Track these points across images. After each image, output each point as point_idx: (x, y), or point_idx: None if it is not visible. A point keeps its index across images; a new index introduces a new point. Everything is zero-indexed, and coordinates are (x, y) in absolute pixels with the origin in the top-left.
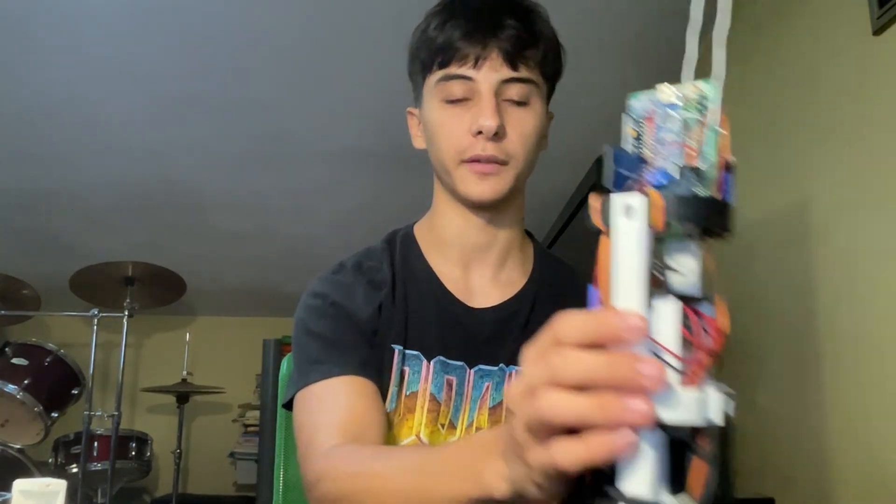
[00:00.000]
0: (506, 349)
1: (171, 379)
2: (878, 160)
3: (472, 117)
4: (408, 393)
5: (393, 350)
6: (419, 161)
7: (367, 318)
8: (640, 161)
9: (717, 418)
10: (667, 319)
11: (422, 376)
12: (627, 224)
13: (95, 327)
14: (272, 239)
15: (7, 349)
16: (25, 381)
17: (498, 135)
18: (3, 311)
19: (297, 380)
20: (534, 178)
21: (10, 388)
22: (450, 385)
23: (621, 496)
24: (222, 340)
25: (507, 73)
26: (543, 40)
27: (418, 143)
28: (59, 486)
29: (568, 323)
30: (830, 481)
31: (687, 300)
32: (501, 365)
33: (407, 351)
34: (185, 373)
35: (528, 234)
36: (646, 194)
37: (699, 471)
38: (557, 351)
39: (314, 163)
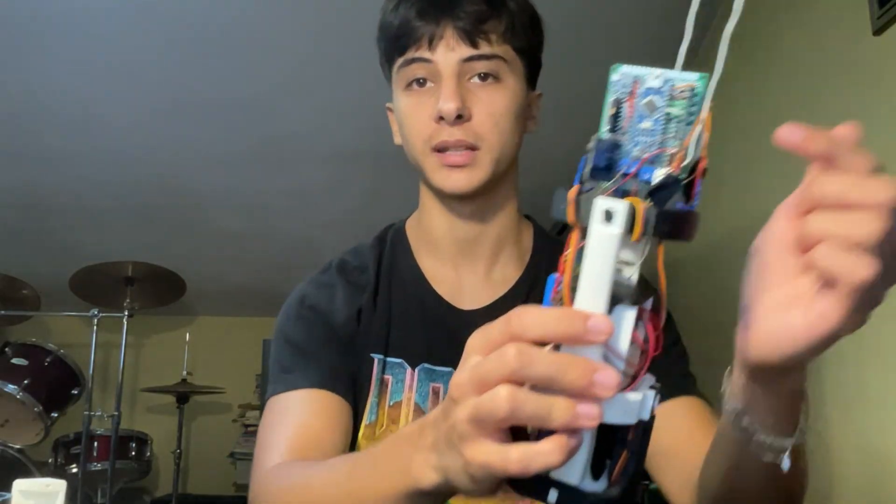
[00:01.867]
0: None
1: (171, 379)
2: (879, 159)
3: (435, 102)
4: (391, 403)
5: (372, 360)
6: None
7: (344, 322)
8: (615, 146)
9: (647, 415)
10: (623, 327)
11: (405, 385)
12: (605, 229)
13: (95, 327)
14: (272, 239)
15: (7, 349)
16: (25, 381)
17: (462, 117)
18: (3, 311)
19: (269, 385)
20: (535, 175)
21: (10, 388)
22: (436, 393)
23: (552, 481)
24: (222, 340)
25: (467, 51)
26: (507, 12)
27: (397, 139)
28: (58, 486)
29: (531, 317)
30: (831, 481)
31: (634, 298)
32: None
33: (389, 359)
34: (185, 373)
35: (529, 218)
36: (628, 200)
37: (622, 459)
38: (519, 347)
39: (314, 163)
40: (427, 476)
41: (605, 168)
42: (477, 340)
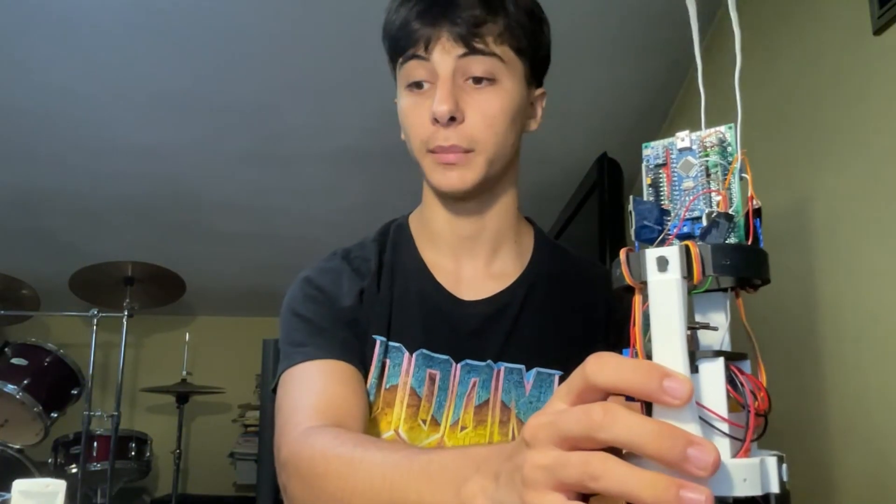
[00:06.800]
0: (493, 344)
1: (171, 379)
2: (878, 159)
3: (431, 104)
4: (387, 386)
5: (374, 341)
6: None
7: (349, 305)
8: (662, 212)
9: (775, 486)
10: (712, 380)
11: (402, 369)
12: (662, 278)
13: (95, 327)
14: (272, 239)
15: (7, 349)
16: (25, 381)
17: (455, 119)
18: (2, 311)
19: (282, 362)
20: (533, 176)
21: (10, 388)
22: (432, 379)
23: None
24: (222, 340)
25: (462, 52)
26: (505, 13)
27: (403, 134)
28: (58, 486)
29: (607, 364)
30: (832, 481)
31: (725, 357)
32: (489, 361)
33: (390, 343)
34: (184, 373)
35: (529, 220)
36: (679, 246)
37: None
38: (606, 408)
39: (314, 163)
40: (477, 501)
41: (661, 240)
42: (562, 387)
